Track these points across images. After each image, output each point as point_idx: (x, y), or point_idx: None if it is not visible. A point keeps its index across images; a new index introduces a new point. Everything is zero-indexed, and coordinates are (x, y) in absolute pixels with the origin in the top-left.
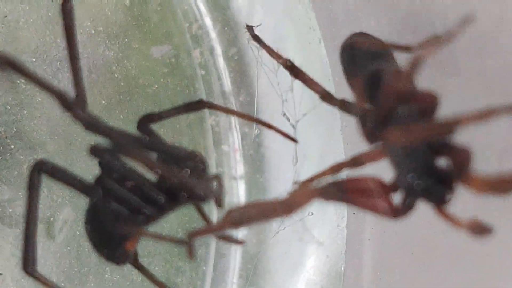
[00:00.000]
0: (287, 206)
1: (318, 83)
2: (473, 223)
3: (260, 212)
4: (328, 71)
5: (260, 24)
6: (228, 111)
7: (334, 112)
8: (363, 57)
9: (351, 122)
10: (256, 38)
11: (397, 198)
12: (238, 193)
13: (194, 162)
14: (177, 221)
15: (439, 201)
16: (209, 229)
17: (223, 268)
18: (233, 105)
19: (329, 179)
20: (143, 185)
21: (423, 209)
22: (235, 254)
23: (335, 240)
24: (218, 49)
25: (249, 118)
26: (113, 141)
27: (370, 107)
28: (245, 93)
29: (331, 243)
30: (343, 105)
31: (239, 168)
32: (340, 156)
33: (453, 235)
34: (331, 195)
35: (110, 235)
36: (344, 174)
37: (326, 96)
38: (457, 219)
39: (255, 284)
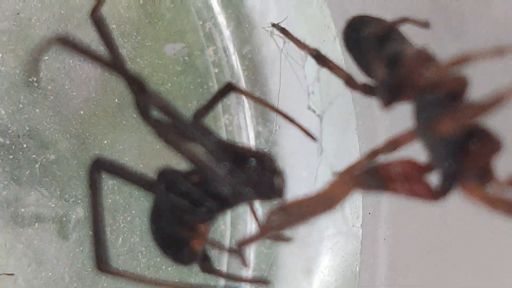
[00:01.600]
0: (328, 201)
1: (343, 69)
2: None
3: (302, 211)
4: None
5: (286, 18)
6: (254, 98)
7: (349, 111)
8: (373, 41)
9: (366, 121)
10: (284, 31)
11: (434, 179)
12: None
13: (263, 161)
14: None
15: (479, 181)
16: (255, 237)
17: (237, 268)
18: (246, 102)
19: (362, 167)
20: (208, 178)
21: (438, 210)
22: (249, 254)
23: (350, 240)
24: (232, 47)
25: (272, 108)
26: (181, 128)
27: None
28: (259, 91)
29: (346, 243)
30: (366, 89)
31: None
32: (355, 155)
33: (469, 234)
34: (369, 185)
35: (176, 234)
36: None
37: (350, 81)
38: (497, 197)
39: (269, 285)
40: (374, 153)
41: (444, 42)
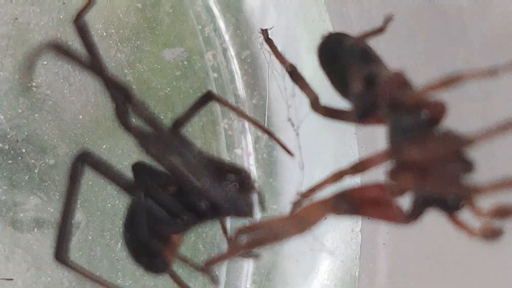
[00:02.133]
0: (299, 225)
1: (313, 91)
2: (485, 229)
3: (271, 232)
4: None
5: (273, 27)
6: (234, 110)
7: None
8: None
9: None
10: (269, 42)
11: (405, 202)
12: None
13: (240, 177)
14: (196, 233)
15: (450, 208)
16: (222, 256)
17: (236, 273)
18: (246, 108)
19: (334, 190)
20: (186, 190)
21: (437, 214)
22: (248, 259)
23: (349, 244)
24: (231, 52)
25: (251, 121)
26: (162, 139)
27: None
28: (258, 96)
29: (346, 247)
30: (325, 112)
31: (252, 172)
32: (354, 158)
33: (468, 240)
34: (341, 209)
35: (150, 243)
36: (351, 182)
37: (314, 104)
38: (469, 227)
39: None
40: (339, 175)
41: (442, 46)
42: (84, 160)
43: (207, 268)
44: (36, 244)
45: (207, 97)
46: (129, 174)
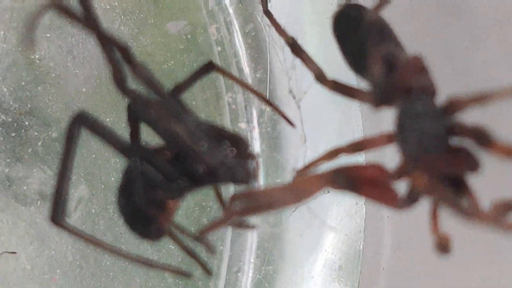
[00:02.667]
0: (296, 195)
1: (315, 63)
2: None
3: (266, 200)
4: None
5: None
6: (236, 80)
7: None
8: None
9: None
10: (267, 13)
11: (401, 187)
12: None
13: (238, 144)
14: (194, 199)
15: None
16: (216, 223)
17: (240, 247)
18: (250, 81)
19: (332, 165)
20: (182, 155)
21: None
22: (252, 233)
23: (353, 218)
24: (235, 25)
25: (252, 90)
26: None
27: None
28: (262, 70)
29: (350, 221)
30: (334, 86)
31: (256, 146)
32: (359, 132)
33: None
34: (340, 184)
35: (145, 209)
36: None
37: (320, 77)
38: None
39: (272, 263)
40: (335, 152)
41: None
42: (82, 121)
43: (201, 237)
44: (39, 217)
45: (208, 67)
46: (126, 137)
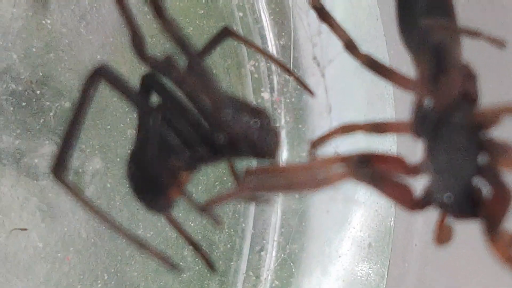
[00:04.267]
0: (315, 181)
1: (345, 31)
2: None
3: (283, 180)
4: (376, 11)
5: None
6: (254, 47)
7: (383, 56)
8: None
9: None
10: None
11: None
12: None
13: (261, 117)
14: (215, 175)
15: (455, 215)
16: (226, 195)
17: (263, 225)
18: (273, 49)
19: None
20: (204, 121)
21: None
22: (276, 210)
23: None
24: None
25: (271, 58)
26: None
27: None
28: (286, 36)
29: (379, 196)
30: (367, 62)
31: (280, 117)
32: (390, 103)
33: None
34: (363, 177)
35: (156, 178)
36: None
37: (350, 47)
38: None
39: (297, 242)
40: (352, 128)
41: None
42: (102, 74)
43: (207, 208)
44: (51, 192)
45: (224, 33)
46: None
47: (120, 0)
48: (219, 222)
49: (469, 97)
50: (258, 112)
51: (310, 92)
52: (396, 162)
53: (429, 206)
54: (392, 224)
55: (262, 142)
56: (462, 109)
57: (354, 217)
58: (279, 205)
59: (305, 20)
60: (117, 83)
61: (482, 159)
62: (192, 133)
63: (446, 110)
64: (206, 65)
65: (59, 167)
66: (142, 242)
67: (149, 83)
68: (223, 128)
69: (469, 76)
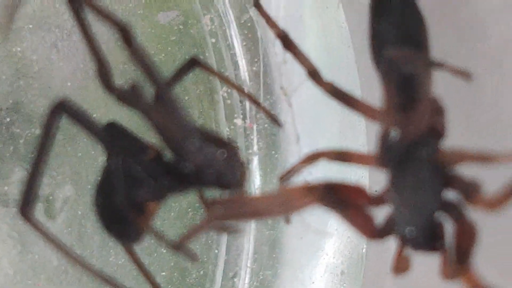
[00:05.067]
0: (282, 207)
1: (309, 60)
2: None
3: (250, 208)
4: (347, 37)
5: None
6: (220, 77)
7: (354, 84)
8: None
9: (373, 95)
10: (257, 5)
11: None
12: (252, 170)
13: (228, 148)
14: (187, 201)
15: (416, 248)
16: (196, 229)
17: (237, 251)
18: (246, 75)
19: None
20: (172, 151)
21: None
22: (249, 236)
23: None
24: (230, 16)
25: (237, 88)
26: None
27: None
28: (259, 62)
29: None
30: (331, 90)
31: (253, 144)
32: (361, 131)
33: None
34: (328, 202)
35: (123, 209)
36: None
37: (313, 75)
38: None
39: (270, 268)
40: (317, 156)
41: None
42: (63, 109)
43: (181, 245)
44: (22, 219)
45: (192, 63)
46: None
47: (85, 29)
48: (195, 258)
49: (436, 132)
50: (225, 143)
51: (278, 124)
52: (358, 192)
53: (389, 236)
54: (364, 251)
55: (228, 173)
56: (428, 143)
57: (327, 244)
58: (252, 231)
59: (272, 49)
60: (79, 117)
61: (447, 194)
62: (155, 166)
63: (413, 143)
64: (173, 95)
65: (25, 206)
66: (107, 278)
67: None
68: (189, 158)
69: (438, 111)
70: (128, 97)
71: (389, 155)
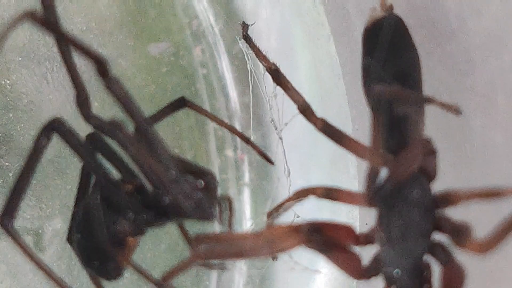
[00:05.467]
0: (268, 246)
1: (300, 94)
2: None
3: (235, 247)
4: (338, 69)
5: (254, 23)
6: (210, 116)
7: (345, 116)
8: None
9: (363, 125)
10: (246, 38)
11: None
12: (243, 201)
13: (206, 179)
14: (178, 233)
15: None
16: (179, 267)
17: (227, 282)
18: (237, 106)
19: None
20: (149, 183)
21: None
22: (240, 266)
23: None
24: (221, 47)
25: (228, 127)
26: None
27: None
28: (250, 93)
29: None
30: (323, 126)
31: (245, 175)
32: (352, 161)
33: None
34: (314, 244)
35: (103, 246)
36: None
37: (305, 110)
38: None
39: None
40: (306, 192)
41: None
42: (55, 128)
43: (165, 283)
44: (11, 252)
45: (180, 104)
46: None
47: (67, 58)
48: None
49: (427, 173)
50: (203, 173)
51: (270, 162)
52: (346, 231)
53: (376, 276)
54: (355, 283)
55: (205, 204)
56: (419, 185)
57: (318, 275)
58: (242, 262)
59: (263, 82)
60: (69, 137)
61: (435, 237)
62: (133, 201)
63: (402, 184)
64: (152, 129)
65: (5, 216)
66: None
67: (93, 143)
68: (167, 190)
69: (430, 152)
70: (105, 128)
71: (377, 195)
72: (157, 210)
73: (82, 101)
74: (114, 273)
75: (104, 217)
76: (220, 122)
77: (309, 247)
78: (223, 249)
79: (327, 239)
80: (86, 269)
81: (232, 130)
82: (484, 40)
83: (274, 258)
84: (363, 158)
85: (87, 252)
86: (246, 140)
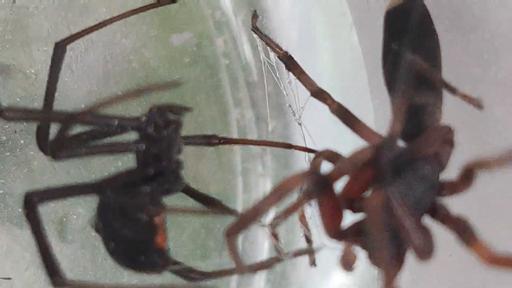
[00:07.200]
0: (276, 195)
1: (312, 80)
2: None
3: (255, 212)
4: (360, 60)
5: (264, 15)
6: (247, 143)
7: (367, 106)
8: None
9: (385, 115)
10: (255, 29)
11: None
12: (265, 191)
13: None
14: (200, 221)
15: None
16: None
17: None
18: (260, 96)
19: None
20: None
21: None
22: (262, 255)
23: None
24: (243, 37)
25: (270, 144)
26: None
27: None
28: (273, 83)
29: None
30: (337, 109)
31: (267, 164)
32: None
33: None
34: (311, 187)
35: (137, 236)
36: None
37: (319, 94)
38: None
39: None
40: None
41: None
42: (32, 200)
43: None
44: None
45: (211, 140)
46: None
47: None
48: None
49: (439, 161)
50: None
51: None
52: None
53: (347, 242)
54: (377, 272)
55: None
56: (429, 165)
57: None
58: (265, 250)
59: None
60: (50, 195)
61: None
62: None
63: (415, 159)
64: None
65: (54, 276)
66: None
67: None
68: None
69: (448, 142)
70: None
71: (389, 157)
72: (154, 172)
73: (42, 134)
74: (163, 260)
75: (124, 204)
76: (256, 143)
77: (305, 190)
78: (247, 221)
79: (326, 184)
80: (136, 271)
81: (272, 144)
82: (507, 29)
83: (313, 264)
84: (371, 142)
85: (127, 254)
86: (287, 146)
